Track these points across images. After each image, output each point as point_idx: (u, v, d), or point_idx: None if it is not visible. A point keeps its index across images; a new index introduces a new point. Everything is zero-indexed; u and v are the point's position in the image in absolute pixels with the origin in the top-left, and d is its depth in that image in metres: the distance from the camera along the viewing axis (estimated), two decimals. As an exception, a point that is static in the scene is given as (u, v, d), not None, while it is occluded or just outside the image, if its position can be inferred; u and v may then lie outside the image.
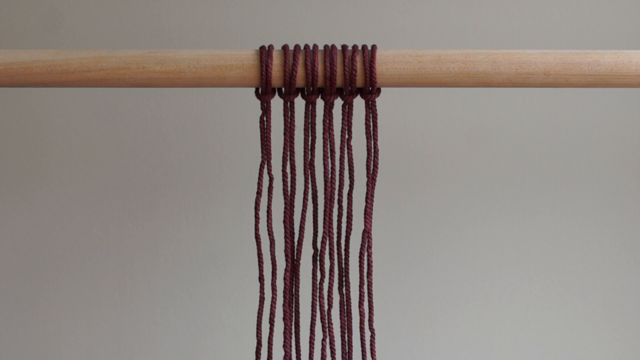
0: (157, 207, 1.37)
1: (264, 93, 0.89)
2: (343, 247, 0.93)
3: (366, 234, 0.92)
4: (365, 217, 0.92)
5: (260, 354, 0.93)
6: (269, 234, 0.92)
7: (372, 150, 0.92)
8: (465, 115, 1.37)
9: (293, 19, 1.35)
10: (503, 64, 0.88)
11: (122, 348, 1.38)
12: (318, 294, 0.92)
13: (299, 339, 0.94)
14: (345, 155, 0.92)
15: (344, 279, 0.93)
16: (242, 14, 1.34)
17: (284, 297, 0.93)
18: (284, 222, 0.92)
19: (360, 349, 0.97)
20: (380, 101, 1.06)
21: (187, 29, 1.34)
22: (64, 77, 0.87)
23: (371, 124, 0.91)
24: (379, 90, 0.90)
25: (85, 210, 1.37)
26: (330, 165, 0.92)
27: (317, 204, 0.93)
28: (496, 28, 1.35)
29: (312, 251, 0.94)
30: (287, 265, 0.92)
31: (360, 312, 0.93)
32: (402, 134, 1.37)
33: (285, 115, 0.91)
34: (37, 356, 1.39)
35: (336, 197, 0.93)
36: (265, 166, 0.91)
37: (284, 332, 0.93)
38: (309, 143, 0.92)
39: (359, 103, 0.94)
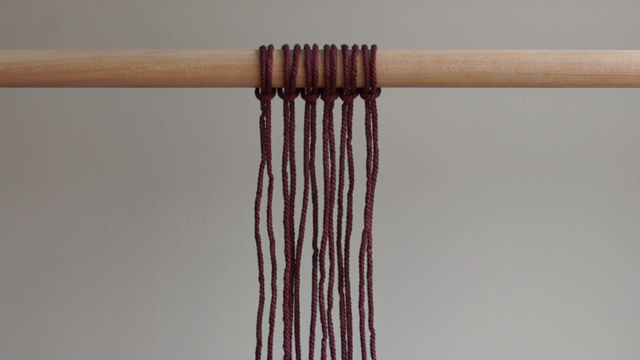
0: (157, 207, 1.37)
1: (264, 93, 0.89)
2: (343, 247, 0.93)
3: (366, 234, 0.92)
4: (365, 217, 0.92)
5: (260, 354, 0.93)
6: (269, 234, 0.92)
7: (372, 150, 0.92)
8: (465, 115, 1.37)
9: (293, 19, 1.35)
10: (503, 64, 0.88)
11: (122, 348, 1.38)
12: (318, 294, 0.92)
13: (299, 339, 0.94)
14: (345, 155, 0.92)
15: (344, 279, 0.93)
16: (242, 14, 1.34)
17: (284, 297, 0.93)
18: (284, 222, 0.92)
19: (360, 349, 0.97)
20: (380, 101, 1.06)
21: (187, 29, 1.34)
22: (64, 77, 0.87)
23: (371, 124, 0.91)
24: (379, 90, 0.90)
25: (85, 210, 1.37)
26: (330, 165, 0.92)
27: (317, 204, 0.93)
28: (496, 28, 1.35)
29: (312, 251, 0.94)
30: (287, 265, 0.92)
31: (360, 312, 0.93)
32: (402, 134, 1.37)
33: (285, 115, 0.91)
34: (37, 356, 1.39)
35: (336, 197, 0.93)
36: (265, 166, 0.91)
37: (284, 332, 0.93)
38: (309, 143, 0.92)
39: (359, 103, 0.94)
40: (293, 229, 0.93)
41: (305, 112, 0.91)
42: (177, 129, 1.36)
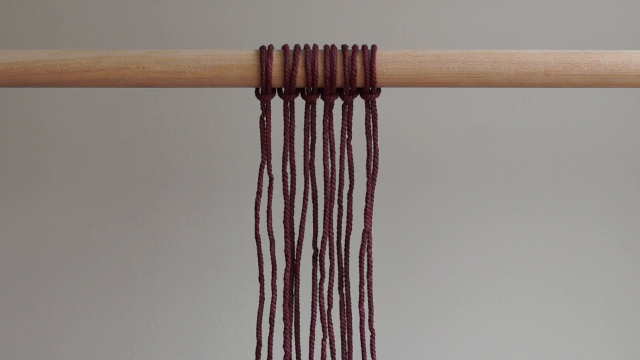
0: (157, 207, 1.37)
1: (264, 93, 0.89)
2: (343, 247, 0.93)
3: (366, 234, 0.92)
4: (365, 217, 0.92)
5: (260, 354, 0.93)
6: (269, 234, 0.92)
7: (372, 150, 0.92)
8: (465, 115, 1.37)
9: (293, 19, 1.35)
10: (503, 64, 0.88)
11: (122, 348, 1.38)
12: (318, 294, 0.92)
13: (299, 339, 0.94)
14: (345, 155, 0.92)
15: (344, 279, 0.93)
16: (242, 14, 1.34)
17: (284, 297, 0.93)
18: (284, 222, 0.92)
19: (360, 349, 0.97)
20: (380, 101, 1.06)
21: (187, 29, 1.34)
22: (64, 77, 0.87)
23: (371, 124, 0.91)
24: (379, 90, 0.90)
25: (85, 210, 1.37)
26: (330, 165, 0.92)
27: (317, 204, 0.93)
28: (496, 28, 1.35)
29: (312, 251, 0.94)
30: (287, 265, 0.92)
31: (360, 312, 0.93)
32: (402, 134, 1.37)
33: (285, 115, 0.91)
34: (37, 356, 1.39)
35: (336, 197, 0.93)
36: (265, 166, 0.91)
37: (284, 332, 0.93)
38: (309, 143, 0.92)
39: (359, 103, 0.94)
40: (293, 229, 0.93)
41: (305, 112, 0.91)
42: (177, 129, 1.36)
